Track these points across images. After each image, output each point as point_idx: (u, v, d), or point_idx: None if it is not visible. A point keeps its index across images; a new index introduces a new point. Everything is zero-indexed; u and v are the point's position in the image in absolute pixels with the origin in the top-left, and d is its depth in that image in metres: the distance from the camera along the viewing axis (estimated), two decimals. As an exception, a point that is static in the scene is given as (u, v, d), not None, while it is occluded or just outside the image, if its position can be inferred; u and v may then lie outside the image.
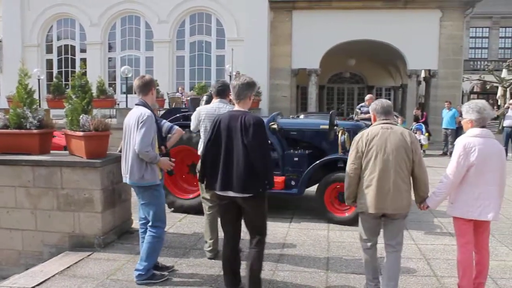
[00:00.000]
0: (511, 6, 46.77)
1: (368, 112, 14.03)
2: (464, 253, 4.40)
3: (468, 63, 45.50)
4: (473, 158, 4.22)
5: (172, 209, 7.91)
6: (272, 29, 21.17)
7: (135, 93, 5.28)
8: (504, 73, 33.38)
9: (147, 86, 5.00)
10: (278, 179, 7.42)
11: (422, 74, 22.88)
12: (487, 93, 48.09)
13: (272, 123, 7.99)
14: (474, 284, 4.50)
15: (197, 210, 7.46)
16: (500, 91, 34.00)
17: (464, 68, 40.41)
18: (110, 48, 22.26)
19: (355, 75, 31.59)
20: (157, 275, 5.02)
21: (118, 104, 19.45)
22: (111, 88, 20.65)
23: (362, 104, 14.04)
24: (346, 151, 7.31)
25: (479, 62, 46.45)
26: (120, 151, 6.57)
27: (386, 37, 20.96)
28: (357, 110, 13.69)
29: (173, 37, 21.43)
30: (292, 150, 7.88)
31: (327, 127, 7.78)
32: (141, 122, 4.71)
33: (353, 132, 7.79)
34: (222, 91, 5.63)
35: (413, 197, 4.43)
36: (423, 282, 5.08)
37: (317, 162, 7.47)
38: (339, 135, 7.61)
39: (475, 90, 48.65)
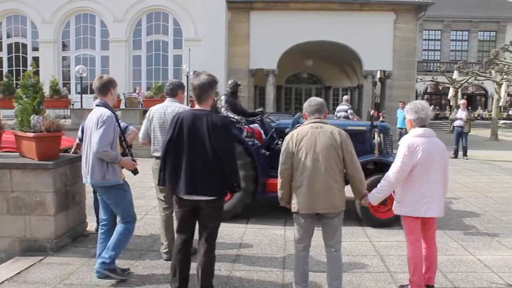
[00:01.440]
0: (462, 10, 48.43)
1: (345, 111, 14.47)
2: (414, 249, 4.53)
3: (421, 64, 46.85)
4: (417, 157, 4.36)
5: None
6: (230, 29, 21.19)
7: (91, 94, 5.21)
8: (455, 75, 34.50)
9: (106, 87, 4.95)
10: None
11: (378, 75, 23.40)
12: (439, 93, 49.68)
13: (298, 124, 7.82)
14: (425, 279, 4.65)
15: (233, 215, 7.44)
16: (451, 92, 35.12)
17: (418, 69, 41.57)
18: (65, 46, 21.74)
19: (313, 75, 31.97)
20: (117, 271, 4.99)
21: (73, 104, 19.00)
22: (65, 88, 20.15)
23: (344, 104, 14.57)
24: (381, 152, 7.46)
25: (432, 64, 47.85)
26: (75, 152, 6.47)
27: (343, 38, 21.32)
28: (344, 111, 13.96)
29: (130, 36, 21.13)
30: None
31: (353, 128, 7.60)
32: (100, 122, 4.66)
33: (382, 132, 7.82)
34: (171, 91, 5.64)
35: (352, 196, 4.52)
36: (377, 278, 5.20)
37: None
38: (376, 136, 7.57)
39: (428, 90, 50.14)
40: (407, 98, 20.75)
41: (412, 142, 4.40)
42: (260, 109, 8.99)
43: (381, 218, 7.31)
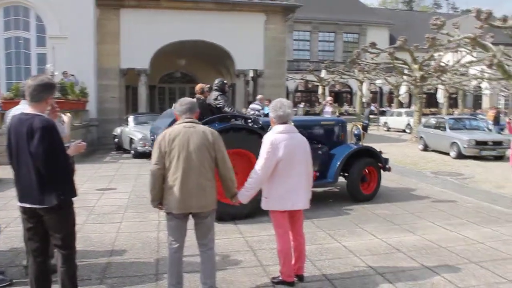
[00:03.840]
0: (328, 13, 51.36)
1: (257, 110, 14.63)
2: (283, 242, 4.71)
3: (292, 63, 48.80)
4: (281, 153, 4.55)
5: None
6: (99, 27, 20.33)
7: None
8: (323, 73, 36.59)
9: None
10: None
11: (251, 74, 23.97)
12: (309, 91, 52.18)
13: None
14: (295, 269, 4.85)
15: (246, 215, 7.58)
16: (320, 90, 37.14)
17: (289, 68, 43.31)
18: None
19: (186, 75, 31.86)
20: None
21: None
22: None
23: (257, 103, 14.67)
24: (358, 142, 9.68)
25: (302, 63, 50.07)
26: None
27: (216, 38, 21.49)
28: (256, 111, 14.07)
29: (-16, 32, 19.34)
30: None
31: (327, 123, 9.65)
32: None
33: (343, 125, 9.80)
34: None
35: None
36: (250, 272, 5.31)
37: (350, 151, 9.10)
38: (353, 128, 9.26)
39: (299, 88, 52.38)
40: (278, 96, 21.43)
41: (275, 139, 4.56)
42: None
43: (366, 193, 9.24)
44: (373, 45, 24.17)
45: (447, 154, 17.37)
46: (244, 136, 7.69)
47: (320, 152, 8.94)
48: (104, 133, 19.78)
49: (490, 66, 14.96)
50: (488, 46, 15.62)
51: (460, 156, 16.58)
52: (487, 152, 16.56)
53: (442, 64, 22.63)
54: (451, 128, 18.09)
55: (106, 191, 10.12)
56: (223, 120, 7.93)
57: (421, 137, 19.75)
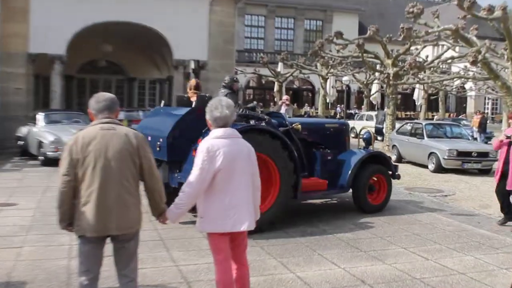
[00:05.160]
0: (286, -6, 52.00)
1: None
2: (223, 271, 4.64)
3: (243, 54, 49.14)
4: (219, 162, 4.48)
5: None
6: (3, 1, 19.74)
7: None
8: (279, 67, 36.82)
9: None
10: (320, 181, 9.61)
11: (192, 66, 23.87)
12: (264, 88, 52.66)
13: (296, 123, 9.52)
14: (236, 304, 4.79)
15: (268, 225, 8.18)
16: (276, 87, 37.41)
17: (240, 60, 43.57)
18: None
19: (113, 64, 31.48)
20: None
21: None
22: None
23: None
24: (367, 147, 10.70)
25: (254, 54, 50.43)
26: None
27: (150, 20, 21.34)
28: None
29: None
30: (315, 150, 9.85)
31: (332, 125, 10.62)
32: None
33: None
34: None
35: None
36: (183, 311, 5.22)
37: (362, 156, 9.98)
38: (362, 132, 10.18)
39: (251, 84, 52.77)
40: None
41: (212, 145, 4.49)
42: (252, 104, 9.62)
43: (374, 204, 10.14)
44: (339, 34, 24.62)
45: (425, 166, 17.83)
46: (263, 139, 8.29)
47: (329, 158, 9.87)
48: (5, 133, 19.14)
49: (474, 63, 15.47)
50: (471, 40, 16.18)
51: (440, 169, 17.04)
52: (470, 165, 17.07)
53: (419, 59, 23.27)
54: (429, 136, 18.57)
55: (4, 208, 9.82)
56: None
57: (394, 145, 20.15)
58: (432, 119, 38.05)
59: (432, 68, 29.26)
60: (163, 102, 13.22)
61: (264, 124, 8.80)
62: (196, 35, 21.86)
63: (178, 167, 8.52)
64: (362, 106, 42.56)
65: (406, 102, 56.17)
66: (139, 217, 4.34)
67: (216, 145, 4.48)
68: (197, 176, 4.44)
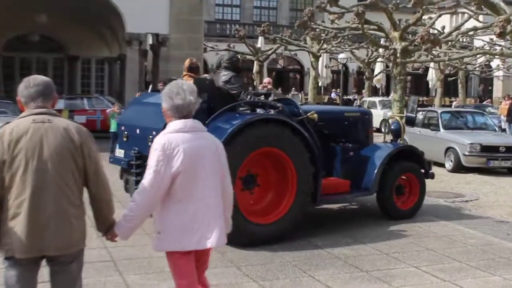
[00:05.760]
0: (267, -51, 52.00)
1: None
2: None
3: (214, 26, 49.08)
4: (179, 163, 4.46)
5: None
6: None
7: None
8: (259, 42, 36.69)
9: None
10: (341, 182, 9.93)
11: (149, 41, 23.78)
12: (240, 68, 52.59)
13: (312, 112, 9.71)
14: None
15: (278, 237, 8.65)
16: (255, 67, 37.28)
17: (210, 33, 43.46)
18: None
19: (50, 39, 31.26)
20: None
21: None
22: None
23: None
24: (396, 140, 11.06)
25: (228, 26, 50.31)
26: None
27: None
28: None
29: None
30: (334, 145, 10.21)
31: (352, 114, 10.99)
32: None
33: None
34: None
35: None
36: None
37: (390, 152, 10.24)
38: (389, 122, 10.37)
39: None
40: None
41: (169, 142, 4.45)
42: (267, 91, 10.35)
43: (403, 208, 10.45)
44: (333, 1, 24.64)
45: (441, 165, 17.88)
46: (278, 131, 8.64)
47: (351, 153, 10.21)
48: None
49: (501, 35, 15.58)
50: (499, 6, 16.28)
51: (459, 168, 17.23)
52: (498, 162, 17.25)
53: (433, 31, 23.37)
54: (447, 127, 18.70)
55: None
56: (234, 110, 8.88)
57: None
58: (450, 106, 38.31)
59: (449, 43, 29.41)
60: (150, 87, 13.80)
61: (276, 113, 9.11)
62: (155, 2, 21.76)
63: None
64: (363, 91, 42.65)
65: (418, 85, 56.55)
66: (83, 233, 4.30)
67: (175, 141, 4.44)
68: (151, 181, 4.41)
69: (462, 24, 27.34)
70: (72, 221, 4.18)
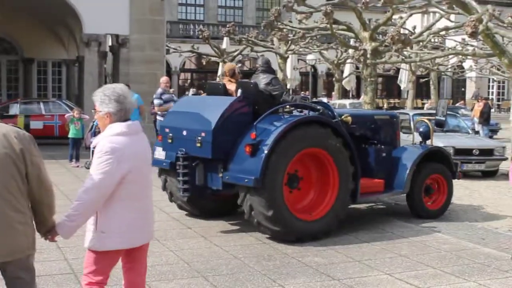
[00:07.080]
0: None
1: (170, 101, 15.35)
2: None
3: (176, 26, 48.99)
4: (128, 164, 4.63)
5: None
6: None
7: None
8: (225, 43, 36.65)
9: None
10: (376, 182, 10.81)
11: (109, 42, 23.64)
12: (205, 70, 52.59)
13: (346, 115, 10.70)
14: None
15: (324, 233, 9.52)
16: (221, 68, 37.23)
17: (172, 34, 43.35)
18: None
19: (3, 40, 30.96)
20: None
21: None
22: None
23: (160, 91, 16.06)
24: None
25: (192, 26, 50.22)
26: None
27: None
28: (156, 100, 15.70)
29: None
30: (367, 146, 11.01)
31: (382, 117, 11.93)
32: None
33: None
34: None
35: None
36: None
37: (421, 152, 11.09)
38: (428, 123, 11.53)
39: (187, 66, 52.54)
40: (154, 78, 21.32)
41: (118, 144, 4.61)
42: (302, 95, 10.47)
43: (432, 208, 11.38)
44: (301, 0, 24.70)
45: (413, 168, 18.00)
46: (321, 132, 9.48)
47: (383, 154, 11.02)
48: None
49: (473, 35, 15.72)
50: (470, 5, 16.45)
51: (432, 171, 17.26)
52: (471, 165, 17.35)
53: (404, 31, 23.54)
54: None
55: None
56: (277, 112, 9.73)
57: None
58: (422, 108, 38.62)
59: (421, 43, 29.61)
60: (192, 90, 14.78)
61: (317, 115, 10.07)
62: (114, 1, 21.65)
63: (218, 165, 9.37)
64: (333, 93, 42.79)
65: (389, 87, 57.04)
66: (30, 238, 4.33)
67: (123, 144, 4.63)
68: (99, 181, 4.54)
69: (434, 23, 27.61)
70: (16, 226, 4.20)
